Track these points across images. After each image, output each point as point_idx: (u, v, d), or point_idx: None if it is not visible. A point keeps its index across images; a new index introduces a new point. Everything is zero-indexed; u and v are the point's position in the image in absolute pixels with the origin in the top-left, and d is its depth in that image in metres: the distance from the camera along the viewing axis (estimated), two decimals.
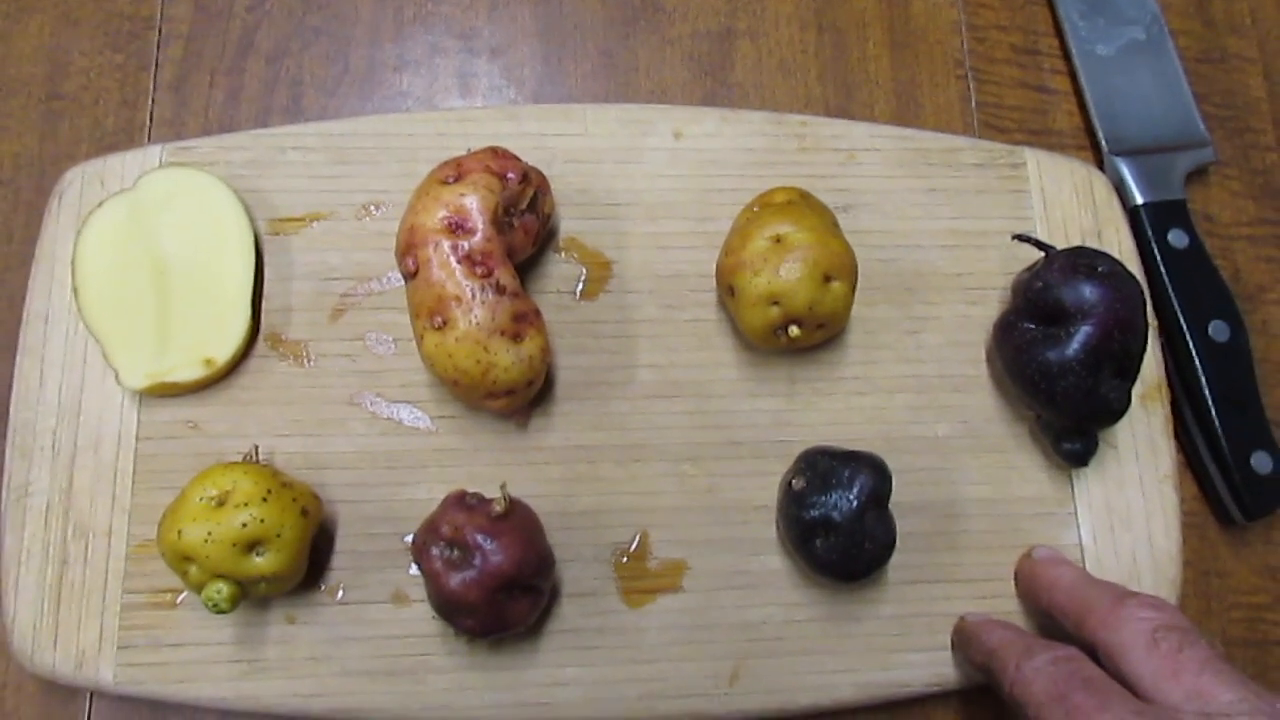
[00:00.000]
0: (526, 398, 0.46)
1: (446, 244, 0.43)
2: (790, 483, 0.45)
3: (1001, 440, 0.50)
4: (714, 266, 0.50)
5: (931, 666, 0.47)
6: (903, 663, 0.47)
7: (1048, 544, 0.48)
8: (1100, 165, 0.56)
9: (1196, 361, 0.52)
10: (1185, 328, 0.52)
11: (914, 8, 0.60)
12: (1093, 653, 0.40)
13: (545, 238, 0.51)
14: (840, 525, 0.43)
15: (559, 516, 0.47)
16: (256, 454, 0.45)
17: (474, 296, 0.43)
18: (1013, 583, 0.48)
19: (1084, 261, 0.46)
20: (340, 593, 0.46)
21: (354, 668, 0.45)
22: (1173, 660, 0.37)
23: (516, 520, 0.43)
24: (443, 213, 0.44)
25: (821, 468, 0.45)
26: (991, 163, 0.54)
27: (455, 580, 0.41)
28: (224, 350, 0.47)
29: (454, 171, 0.45)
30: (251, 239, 0.49)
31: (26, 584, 0.45)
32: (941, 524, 0.49)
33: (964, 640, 0.46)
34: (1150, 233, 0.54)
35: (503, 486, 0.43)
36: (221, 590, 0.41)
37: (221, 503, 0.41)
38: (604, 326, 0.50)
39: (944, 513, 0.49)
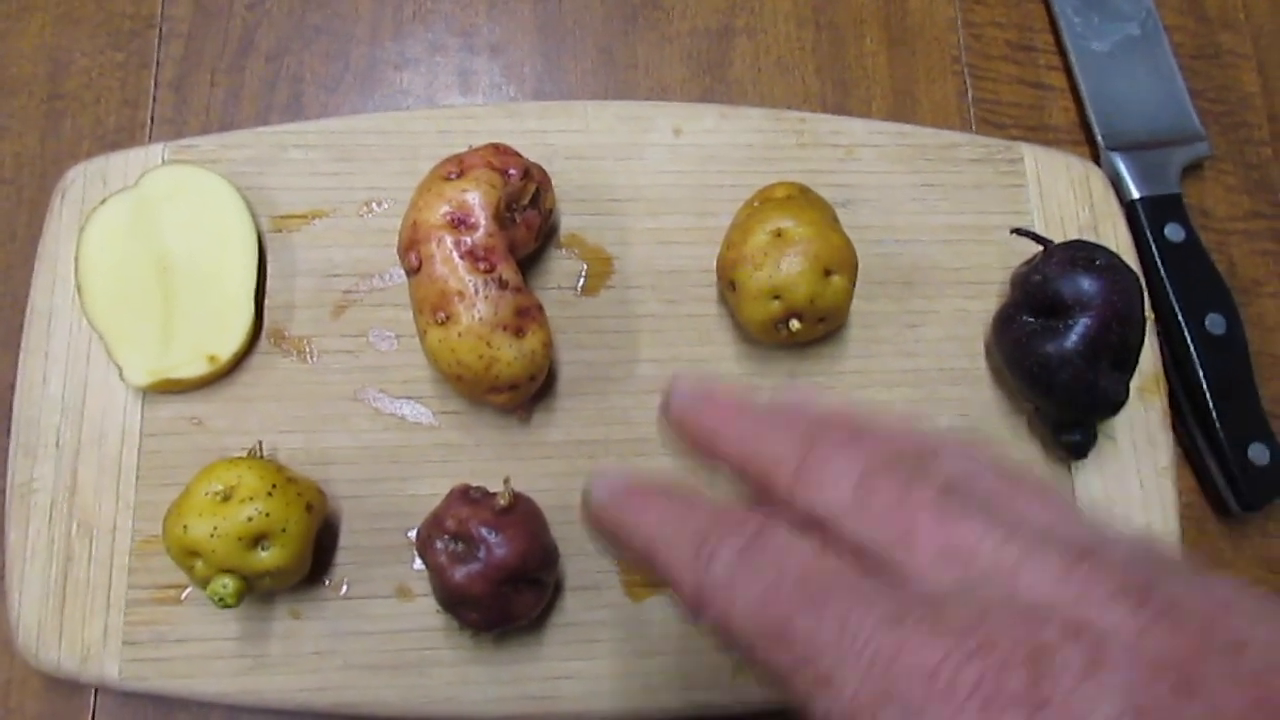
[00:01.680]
0: (529, 393, 0.46)
1: (449, 239, 0.44)
2: None
3: (1001, 433, 0.50)
4: (714, 262, 0.50)
5: None
6: None
7: None
8: (1096, 160, 0.57)
9: (1193, 354, 0.52)
10: (1182, 321, 0.53)
11: (910, 4, 0.60)
12: None
13: (547, 234, 0.51)
14: None
15: (561, 510, 0.47)
16: (261, 449, 0.45)
17: (476, 292, 0.43)
18: None
19: (1082, 255, 0.46)
20: (344, 587, 0.46)
21: (358, 662, 0.45)
22: (900, 515, 0.23)
23: (520, 514, 0.43)
24: (445, 208, 0.44)
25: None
26: (989, 158, 0.54)
27: (460, 573, 0.41)
28: (227, 347, 0.47)
29: (456, 167, 0.45)
30: (254, 236, 0.49)
31: (31, 580, 0.45)
32: None
33: (607, 524, 0.28)
34: (1147, 227, 0.54)
35: (506, 480, 0.43)
36: (227, 585, 0.41)
37: (227, 497, 0.41)
38: (605, 322, 0.50)
39: None
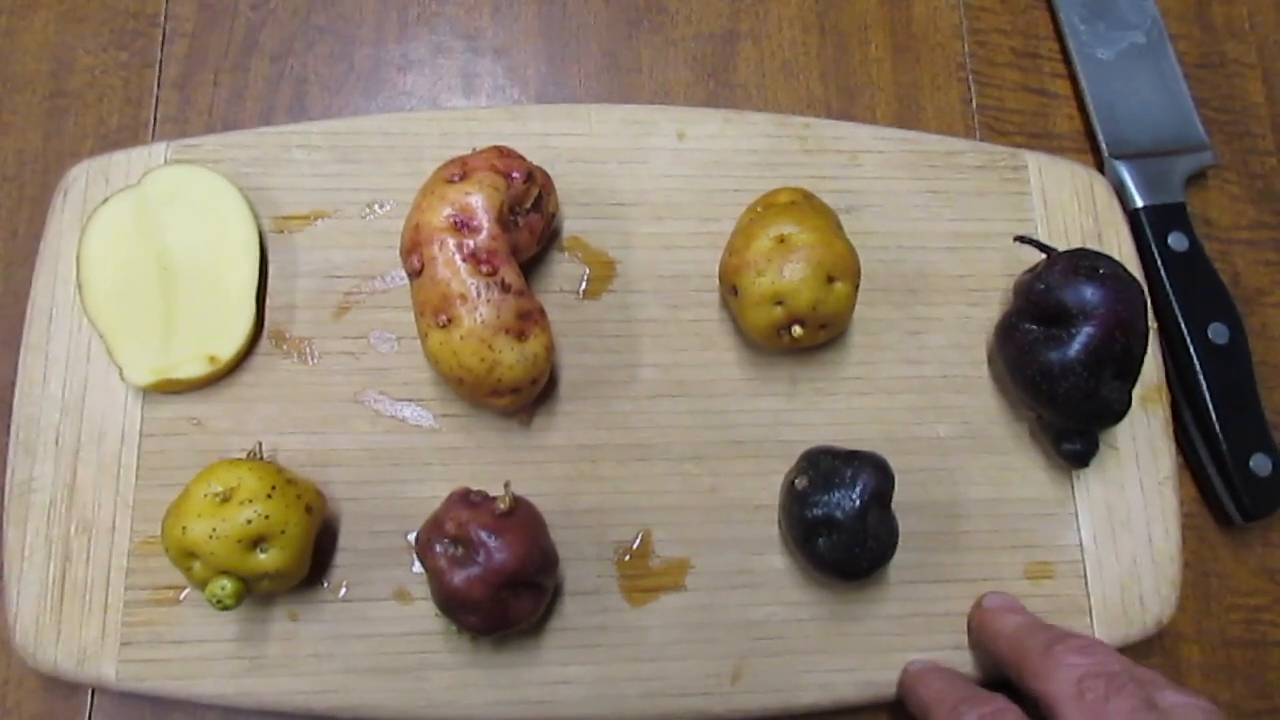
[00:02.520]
0: (530, 396, 0.46)
1: (452, 242, 0.44)
2: (793, 482, 0.46)
3: (1002, 441, 0.50)
4: (717, 267, 0.50)
5: None
6: (903, 662, 0.47)
7: (1049, 544, 0.49)
8: (1100, 168, 0.57)
9: (1196, 364, 0.52)
10: (1185, 330, 0.52)
11: (915, 11, 0.60)
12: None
13: (549, 237, 0.51)
14: (842, 524, 0.44)
15: (562, 515, 0.47)
16: (260, 451, 0.45)
17: (479, 295, 0.43)
18: (1011, 583, 0.48)
19: (1085, 263, 0.46)
20: (343, 590, 0.46)
21: (356, 665, 0.45)
22: (1099, 710, 0.37)
23: (520, 518, 0.43)
24: (448, 211, 0.44)
25: (824, 467, 0.45)
26: (993, 165, 0.54)
27: (459, 577, 0.41)
28: (228, 347, 0.47)
29: (459, 170, 0.45)
30: (256, 236, 0.49)
31: (29, 580, 0.45)
32: (942, 524, 0.49)
33: (905, 691, 0.46)
34: (1150, 236, 0.54)
35: (506, 484, 0.43)
36: (225, 586, 0.41)
37: (226, 499, 0.41)
38: (607, 326, 0.50)
39: (945, 513, 0.49)
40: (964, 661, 0.47)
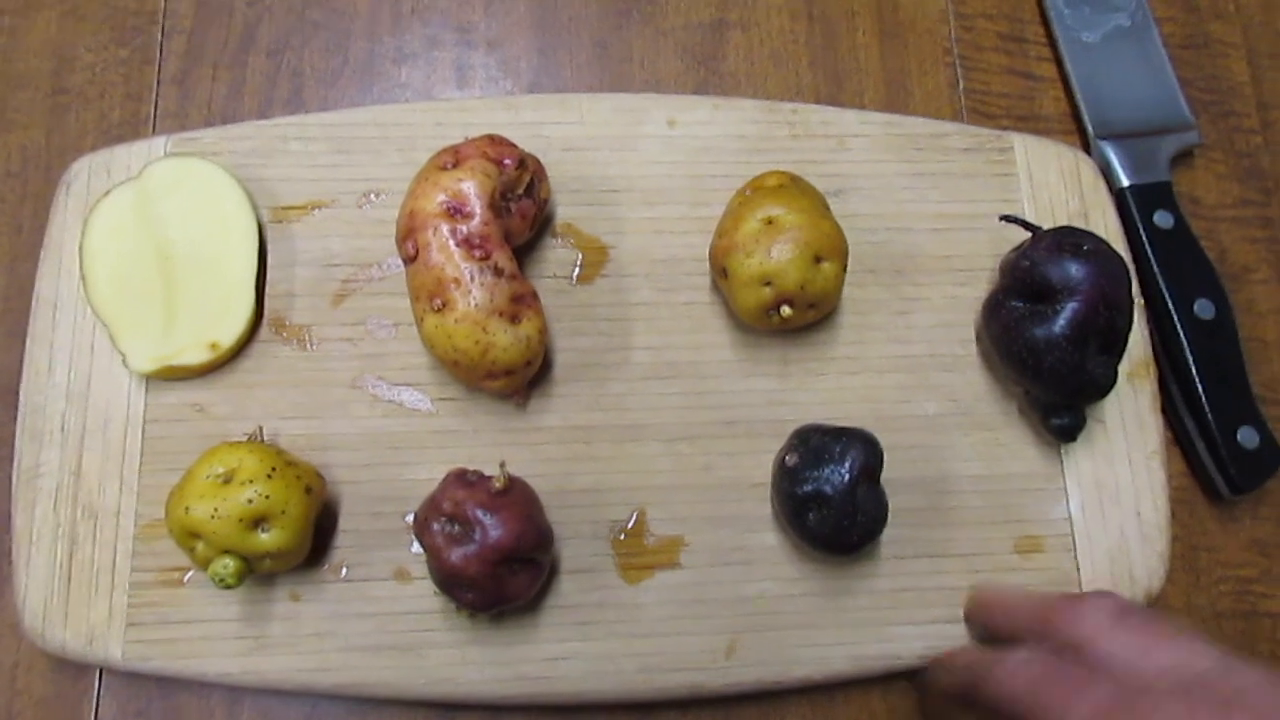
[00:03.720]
0: (525, 378, 0.47)
1: (445, 228, 0.44)
2: (784, 459, 0.46)
3: (991, 417, 0.51)
4: (707, 250, 0.51)
5: (923, 639, 0.48)
6: (895, 636, 0.48)
7: (1039, 518, 0.49)
8: (1087, 149, 0.57)
9: (1183, 339, 0.52)
10: (1171, 306, 0.53)
11: None
12: None
13: (542, 223, 0.52)
14: (832, 499, 0.44)
15: (558, 495, 0.48)
16: (261, 434, 0.46)
17: (472, 279, 0.44)
18: (1001, 557, 0.49)
19: (1070, 240, 0.47)
20: (344, 570, 0.47)
21: (357, 643, 0.46)
22: (1141, 636, 0.38)
23: (515, 496, 0.43)
24: (441, 197, 0.45)
25: (814, 443, 0.46)
26: (979, 147, 0.55)
27: (456, 555, 0.42)
28: (229, 335, 0.48)
29: (452, 158, 0.46)
30: (255, 226, 0.50)
31: (37, 564, 0.46)
32: (933, 500, 0.50)
33: (941, 670, 0.47)
34: (1136, 214, 0.55)
35: (502, 464, 0.44)
36: (228, 565, 0.42)
37: (228, 480, 0.42)
38: (600, 310, 0.51)
39: (935, 489, 0.50)
40: (958, 635, 0.48)
